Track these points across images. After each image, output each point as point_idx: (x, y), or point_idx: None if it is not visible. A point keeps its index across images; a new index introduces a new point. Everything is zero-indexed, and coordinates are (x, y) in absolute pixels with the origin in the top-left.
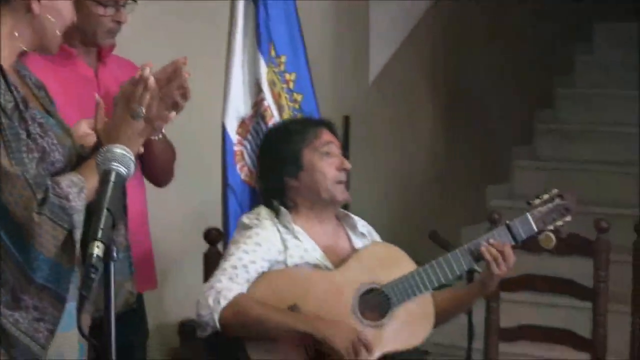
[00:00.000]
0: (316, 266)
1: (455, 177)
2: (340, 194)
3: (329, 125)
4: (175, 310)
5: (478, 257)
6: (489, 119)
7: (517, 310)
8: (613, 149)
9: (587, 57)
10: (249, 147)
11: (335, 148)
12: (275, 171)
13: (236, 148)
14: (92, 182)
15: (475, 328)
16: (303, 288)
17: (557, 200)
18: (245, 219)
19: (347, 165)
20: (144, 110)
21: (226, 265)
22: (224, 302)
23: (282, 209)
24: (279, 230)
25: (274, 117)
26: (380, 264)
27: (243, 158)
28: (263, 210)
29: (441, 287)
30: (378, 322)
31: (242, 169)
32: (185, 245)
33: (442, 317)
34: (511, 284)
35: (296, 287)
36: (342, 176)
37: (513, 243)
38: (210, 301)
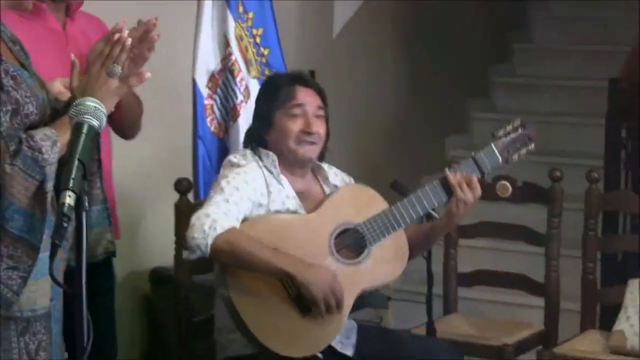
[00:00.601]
0: (294, 212)
1: (416, 128)
2: (302, 152)
3: (305, 82)
4: (146, 258)
5: (448, 189)
6: (449, 72)
7: (474, 256)
8: (567, 101)
9: (543, 13)
10: (218, 100)
11: (308, 108)
12: (255, 121)
13: (206, 102)
14: (66, 137)
15: (435, 274)
16: (282, 234)
17: (520, 130)
18: (232, 158)
19: (312, 128)
20: (120, 69)
21: (219, 198)
22: (219, 230)
23: (269, 153)
24: (264, 174)
25: (241, 72)
26: (354, 205)
27: (213, 111)
28: (249, 152)
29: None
30: (354, 260)
31: (212, 122)
32: (156, 194)
33: (410, 251)
34: (468, 230)
35: (276, 233)
36: (307, 137)
37: (479, 175)
38: (206, 227)
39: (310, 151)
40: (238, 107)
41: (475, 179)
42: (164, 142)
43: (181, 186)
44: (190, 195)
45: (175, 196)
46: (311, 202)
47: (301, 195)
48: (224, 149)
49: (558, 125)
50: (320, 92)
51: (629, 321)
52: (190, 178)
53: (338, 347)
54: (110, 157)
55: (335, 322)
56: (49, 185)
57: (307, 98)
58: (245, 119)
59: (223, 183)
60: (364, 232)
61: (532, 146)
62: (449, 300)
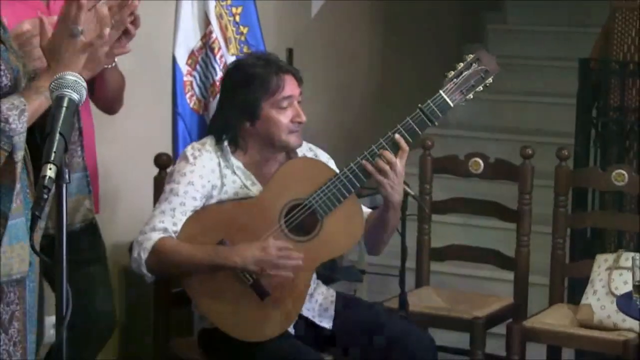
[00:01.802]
0: (242, 198)
1: (396, 107)
2: (294, 141)
3: (286, 69)
4: (126, 231)
5: (396, 146)
6: (424, 52)
7: (446, 231)
8: (539, 81)
9: None
10: (197, 77)
11: (295, 99)
12: (233, 110)
13: (186, 78)
14: (35, 104)
15: (408, 249)
16: (228, 222)
17: (475, 66)
18: (189, 149)
19: (302, 118)
20: (80, 29)
21: (156, 212)
22: (144, 255)
23: (224, 143)
24: (219, 164)
25: (221, 49)
26: (300, 178)
27: (192, 88)
28: (209, 141)
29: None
30: (309, 235)
31: (191, 98)
32: (136, 169)
33: (373, 240)
34: (441, 206)
35: (222, 222)
36: (296, 126)
37: (430, 125)
38: (135, 254)
39: (299, 138)
40: (217, 84)
41: (389, 156)
42: (144, 118)
43: (161, 161)
44: (170, 170)
45: (155, 170)
46: None
47: (264, 180)
48: (203, 125)
49: (530, 105)
50: (298, 76)
51: (596, 295)
52: (170, 153)
53: (316, 321)
54: (93, 130)
55: (298, 298)
56: (19, 155)
57: (293, 88)
58: None
59: (166, 187)
60: (313, 205)
61: (490, 80)
62: (421, 273)
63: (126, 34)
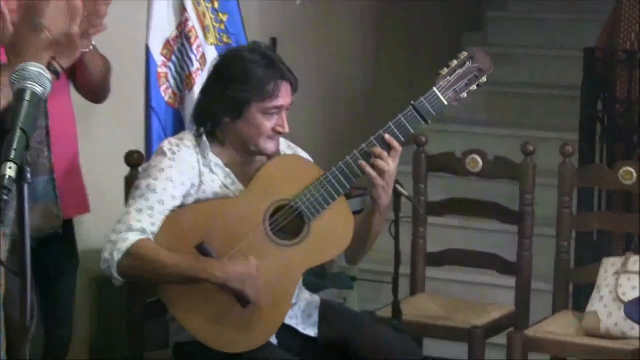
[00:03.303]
0: (223, 197)
1: (387, 97)
2: (270, 148)
3: (285, 75)
4: (96, 236)
5: (388, 146)
6: (420, 41)
7: (443, 234)
8: (541, 72)
9: None
10: (173, 69)
11: (284, 109)
12: (217, 103)
13: (160, 70)
14: None
15: (402, 254)
16: (209, 223)
17: (469, 64)
18: (167, 144)
19: (285, 129)
20: (43, 23)
21: (131, 209)
22: (117, 256)
23: (204, 138)
24: (198, 161)
25: (198, 38)
26: (286, 177)
27: (167, 80)
28: (188, 136)
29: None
30: (295, 240)
31: (166, 91)
32: (108, 168)
33: (354, 247)
34: (438, 208)
35: (202, 224)
36: (276, 135)
37: (424, 124)
38: (107, 254)
39: (277, 145)
40: (194, 76)
41: (384, 155)
42: (115, 113)
43: (132, 159)
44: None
45: (126, 169)
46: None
47: (245, 179)
48: (179, 120)
49: (532, 97)
50: (295, 85)
51: (603, 302)
52: (143, 151)
53: (300, 329)
54: (75, 127)
55: (281, 306)
56: None
57: (286, 97)
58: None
59: (142, 183)
60: (299, 207)
61: (483, 79)
62: (416, 280)
63: (97, 13)
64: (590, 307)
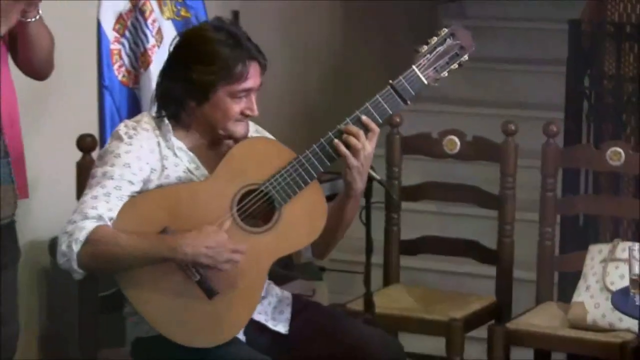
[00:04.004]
0: (188, 182)
1: (356, 68)
2: (240, 130)
3: (253, 54)
4: (45, 226)
5: (364, 128)
6: (394, 11)
7: (418, 221)
8: (523, 46)
9: None
10: (126, 45)
11: (253, 92)
12: (181, 84)
13: (113, 46)
14: None
15: (375, 241)
16: (172, 208)
17: (450, 41)
18: (122, 128)
19: (255, 112)
20: None
21: (86, 197)
22: (76, 247)
23: (165, 120)
24: (158, 144)
25: (154, 12)
26: (255, 161)
27: (120, 57)
28: (145, 118)
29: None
30: (265, 226)
31: (120, 70)
32: (57, 153)
33: (323, 236)
34: (412, 192)
35: (164, 209)
36: (245, 117)
37: (403, 105)
38: (64, 247)
39: (246, 128)
40: (149, 53)
41: (361, 134)
42: (64, 93)
43: (84, 143)
44: (95, 154)
45: (78, 154)
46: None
47: (211, 167)
48: (134, 101)
49: (513, 73)
50: (264, 65)
51: (589, 291)
52: (96, 134)
53: (270, 325)
54: (17, 107)
55: (250, 298)
56: None
57: (255, 79)
58: (157, 67)
59: (98, 171)
60: (270, 192)
61: (465, 57)
62: (390, 270)
63: None
64: (576, 298)
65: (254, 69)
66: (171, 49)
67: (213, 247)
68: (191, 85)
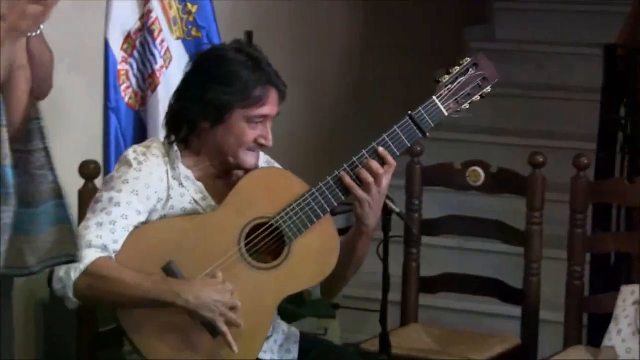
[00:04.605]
0: (193, 213)
1: (373, 94)
2: (250, 161)
3: (274, 82)
4: None
5: (380, 160)
6: (418, 37)
7: (439, 256)
8: (554, 72)
9: None
10: (135, 65)
11: (269, 120)
12: (196, 103)
13: (120, 67)
14: None
15: (392, 278)
16: (177, 242)
17: (472, 71)
18: (132, 153)
19: (269, 142)
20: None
21: (90, 222)
22: (74, 275)
23: (175, 147)
24: (167, 173)
25: (162, 32)
26: (266, 192)
27: (128, 79)
28: (155, 144)
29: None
30: (273, 263)
31: (127, 91)
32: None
33: (334, 273)
34: (433, 226)
35: (169, 242)
36: (258, 147)
37: (421, 136)
38: (62, 273)
39: (257, 159)
40: (157, 74)
41: (376, 167)
42: (68, 116)
43: (87, 170)
44: (99, 181)
45: (80, 182)
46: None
47: (218, 194)
48: (140, 124)
49: (542, 101)
50: (283, 94)
51: (621, 335)
52: (100, 160)
53: None
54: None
55: (256, 337)
56: None
57: (273, 106)
58: (165, 88)
59: (105, 195)
60: (280, 227)
61: (488, 88)
62: (407, 308)
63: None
64: (607, 342)
65: (272, 96)
66: (187, 69)
67: (218, 300)
68: (206, 106)
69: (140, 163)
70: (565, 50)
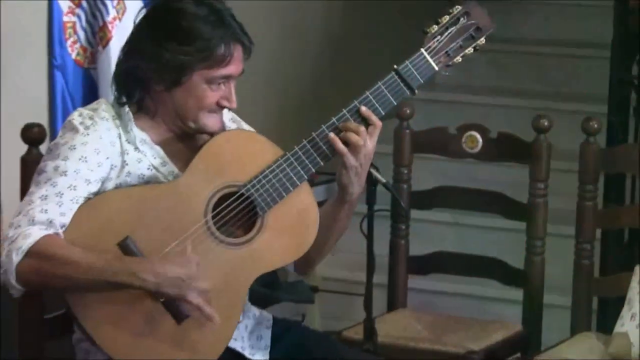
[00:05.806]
0: (153, 181)
1: (356, 53)
2: (212, 124)
3: (238, 36)
4: None
5: (364, 121)
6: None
7: (431, 233)
8: (559, 25)
9: None
10: (83, 17)
11: (233, 80)
12: (150, 65)
13: (66, 19)
14: None
15: (378, 257)
16: (135, 214)
17: (463, 20)
18: (77, 117)
19: (233, 104)
20: None
21: (33, 196)
22: (16, 258)
23: (126, 108)
24: (119, 136)
25: None
26: (235, 158)
27: (75, 32)
28: (103, 105)
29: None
30: (245, 237)
31: (74, 47)
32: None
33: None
34: (425, 199)
35: (125, 215)
36: (221, 109)
37: (409, 94)
38: (4, 255)
39: (220, 121)
40: (109, 27)
41: (360, 128)
42: (7, 75)
43: (31, 134)
44: (44, 147)
45: (24, 148)
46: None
47: (180, 161)
48: (90, 84)
49: (547, 58)
50: (248, 49)
51: (635, 320)
52: (46, 123)
53: (246, 353)
54: None
55: (226, 321)
56: None
57: (238, 65)
58: (118, 44)
59: (49, 165)
60: (252, 196)
61: (482, 40)
62: (395, 291)
63: None
64: (618, 328)
65: (237, 53)
66: (140, 20)
67: (181, 277)
68: (161, 66)
69: (87, 127)
70: (572, 2)
